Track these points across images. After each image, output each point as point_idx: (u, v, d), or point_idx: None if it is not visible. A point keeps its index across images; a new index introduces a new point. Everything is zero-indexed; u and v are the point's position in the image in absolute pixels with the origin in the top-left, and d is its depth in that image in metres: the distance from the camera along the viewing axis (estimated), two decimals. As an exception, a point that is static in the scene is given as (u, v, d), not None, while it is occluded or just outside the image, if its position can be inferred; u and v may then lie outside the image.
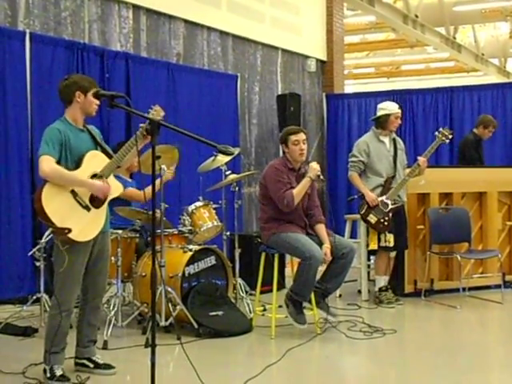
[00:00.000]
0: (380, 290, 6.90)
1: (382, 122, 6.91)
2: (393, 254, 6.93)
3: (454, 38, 17.31)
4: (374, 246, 6.81)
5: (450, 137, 6.85)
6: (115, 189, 4.44)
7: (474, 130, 8.54)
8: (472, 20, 17.31)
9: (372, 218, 6.72)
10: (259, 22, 10.64)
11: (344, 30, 12.90)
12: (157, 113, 4.45)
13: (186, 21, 9.23)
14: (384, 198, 6.71)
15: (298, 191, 5.62)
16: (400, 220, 6.83)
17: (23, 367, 4.55)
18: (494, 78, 20.22)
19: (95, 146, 4.47)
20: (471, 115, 10.61)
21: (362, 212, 6.78)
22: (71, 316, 4.48)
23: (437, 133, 6.86)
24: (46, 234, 5.63)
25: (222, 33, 9.92)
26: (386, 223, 6.70)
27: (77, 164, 4.30)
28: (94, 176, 4.33)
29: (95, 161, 4.38)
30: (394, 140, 6.98)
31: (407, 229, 6.97)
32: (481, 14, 16.75)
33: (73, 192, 4.24)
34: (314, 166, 5.69)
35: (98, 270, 4.55)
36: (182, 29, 9.22)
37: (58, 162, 4.25)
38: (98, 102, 4.43)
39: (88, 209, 4.30)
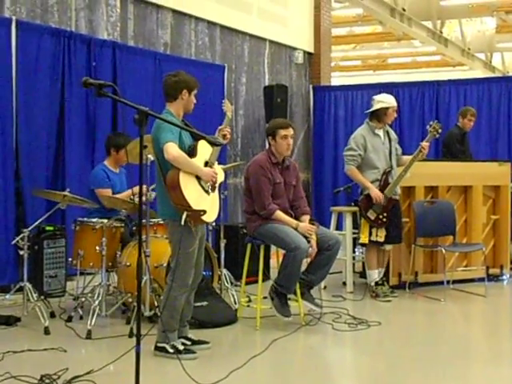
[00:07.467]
0: (376, 283, 6.85)
1: (379, 115, 6.78)
2: (389, 247, 6.87)
3: (441, 32, 17.33)
4: (364, 239, 6.74)
5: (440, 131, 6.75)
6: (220, 175, 4.85)
7: (458, 124, 8.67)
8: (459, 14, 17.34)
9: (372, 214, 6.66)
10: (247, 13, 10.60)
11: (331, 23, 12.89)
12: (227, 107, 4.94)
13: (173, 10, 9.17)
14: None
15: (280, 218, 5.60)
16: (395, 214, 6.76)
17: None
18: (480, 73, 20.26)
19: (193, 138, 4.73)
20: (457, 109, 10.58)
21: (363, 207, 6.69)
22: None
23: (428, 127, 6.75)
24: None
25: (210, 23, 9.87)
26: (384, 219, 6.65)
27: (190, 152, 4.62)
28: (205, 164, 4.70)
29: (205, 149, 4.72)
30: (387, 132, 6.90)
31: (401, 223, 6.93)
32: (468, 9, 16.79)
33: (197, 177, 4.62)
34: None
35: (198, 253, 4.83)
36: (170, 18, 9.17)
37: None
38: (194, 101, 4.77)
39: (208, 193, 4.70)
